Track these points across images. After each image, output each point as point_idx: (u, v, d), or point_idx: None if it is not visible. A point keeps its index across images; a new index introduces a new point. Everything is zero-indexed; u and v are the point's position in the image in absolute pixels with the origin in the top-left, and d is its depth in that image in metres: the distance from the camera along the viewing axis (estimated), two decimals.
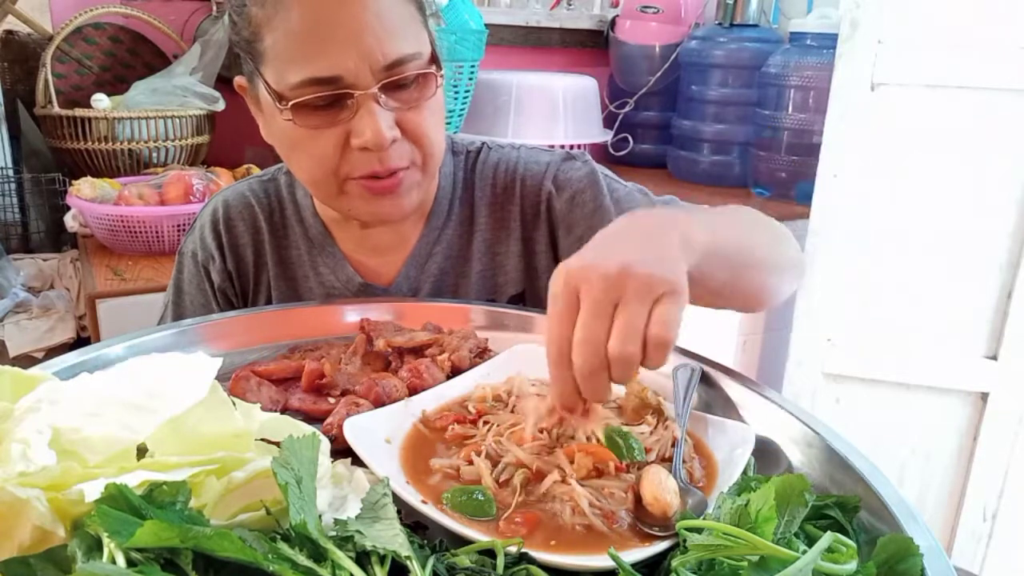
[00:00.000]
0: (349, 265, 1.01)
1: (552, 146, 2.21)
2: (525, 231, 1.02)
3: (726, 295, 0.76)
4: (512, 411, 0.69)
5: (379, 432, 0.65)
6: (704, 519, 0.52)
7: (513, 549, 0.49)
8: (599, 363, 0.54)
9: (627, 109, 2.56)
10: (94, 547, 0.42)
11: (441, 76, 0.88)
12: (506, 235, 1.02)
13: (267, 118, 0.90)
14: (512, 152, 1.05)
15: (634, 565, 0.48)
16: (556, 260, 1.02)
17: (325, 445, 0.52)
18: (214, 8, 2.08)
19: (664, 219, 0.65)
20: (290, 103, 0.82)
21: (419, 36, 0.85)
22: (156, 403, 0.53)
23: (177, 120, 1.85)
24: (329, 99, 0.82)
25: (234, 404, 0.54)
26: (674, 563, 0.47)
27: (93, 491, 0.43)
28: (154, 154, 1.84)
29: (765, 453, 0.66)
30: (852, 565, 0.44)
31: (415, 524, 0.54)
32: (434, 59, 0.86)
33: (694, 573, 0.46)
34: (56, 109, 1.77)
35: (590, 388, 0.56)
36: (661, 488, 0.55)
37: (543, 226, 1.01)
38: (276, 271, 1.03)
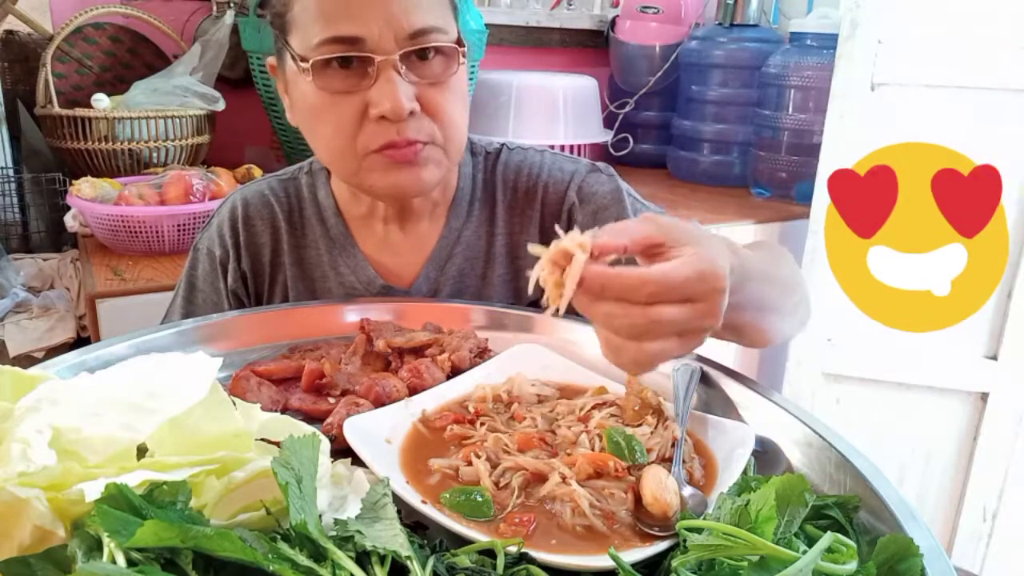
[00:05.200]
0: (371, 266, 1.00)
1: (552, 146, 2.21)
2: (543, 237, 1.01)
3: (733, 333, 0.75)
4: (512, 417, 0.70)
5: (379, 432, 0.65)
6: (704, 519, 0.52)
7: (513, 549, 0.49)
8: (629, 315, 0.53)
9: (627, 109, 2.56)
10: (94, 547, 0.42)
11: (464, 56, 0.87)
12: (526, 240, 1.01)
13: (292, 94, 0.90)
14: (535, 156, 1.04)
15: (634, 565, 0.48)
16: None
17: (325, 445, 0.52)
18: (214, 8, 2.07)
19: (731, 263, 0.60)
20: (311, 61, 0.82)
21: (445, 15, 0.86)
22: (156, 403, 0.53)
23: (177, 120, 1.84)
24: (350, 62, 0.82)
25: (234, 404, 0.54)
26: (674, 563, 0.47)
27: (93, 491, 0.43)
28: (154, 154, 1.84)
29: (765, 453, 0.66)
30: (852, 565, 0.44)
31: (415, 524, 0.54)
32: (460, 41, 0.87)
33: (694, 573, 0.46)
34: (56, 109, 1.77)
35: (589, 309, 0.55)
36: (661, 488, 0.55)
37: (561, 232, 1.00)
38: (294, 271, 1.02)
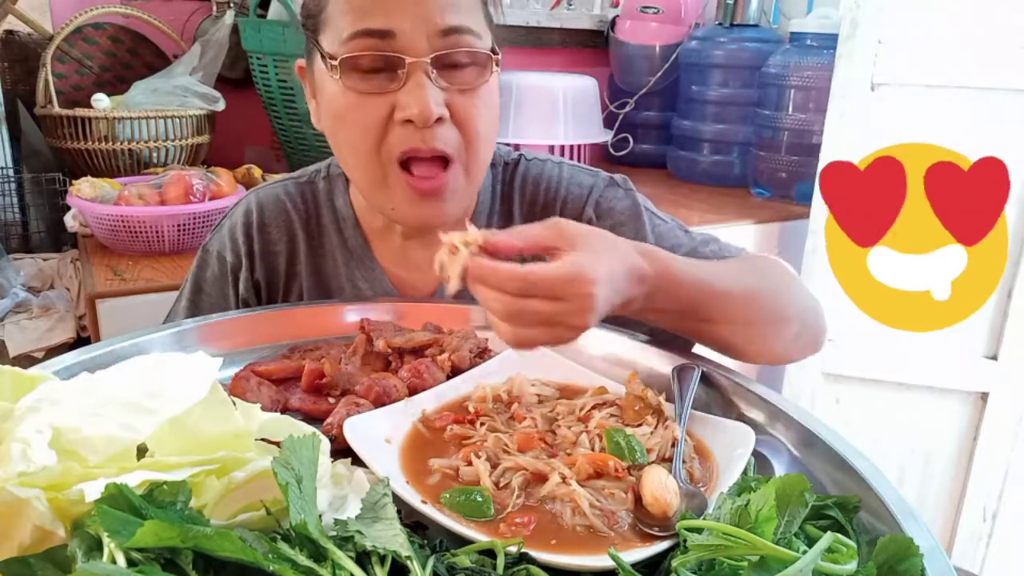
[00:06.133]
0: (388, 280, 0.98)
1: (552, 146, 2.20)
2: None
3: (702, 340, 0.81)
4: (512, 417, 0.70)
5: (379, 432, 0.65)
6: (704, 519, 0.52)
7: (513, 549, 0.49)
8: (504, 302, 0.62)
9: (627, 109, 2.56)
10: (94, 547, 0.42)
11: (498, 65, 0.85)
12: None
13: (319, 96, 0.88)
14: (553, 168, 1.01)
15: (634, 565, 0.48)
16: None
17: (325, 445, 0.52)
18: (214, 8, 2.07)
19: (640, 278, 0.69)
20: (340, 58, 0.80)
21: (479, 20, 0.84)
22: (156, 403, 0.53)
23: (177, 120, 1.84)
24: (379, 61, 0.80)
25: (234, 404, 0.54)
26: (674, 563, 0.47)
27: (93, 491, 0.43)
28: (154, 154, 1.84)
29: (765, 453, 0.66)
30: (852, 565, 0.44)
31: (415, 524, 0.54)
32: (494, 50, 0.85)
33: (694, 573, 0.46)
34: (56, 109, 1.77)
35: (473, 291, 0.64)
36: (661, 488, 0.55)
37: None
38: (311, 282, 0.99)
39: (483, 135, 0.86)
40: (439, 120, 0.81)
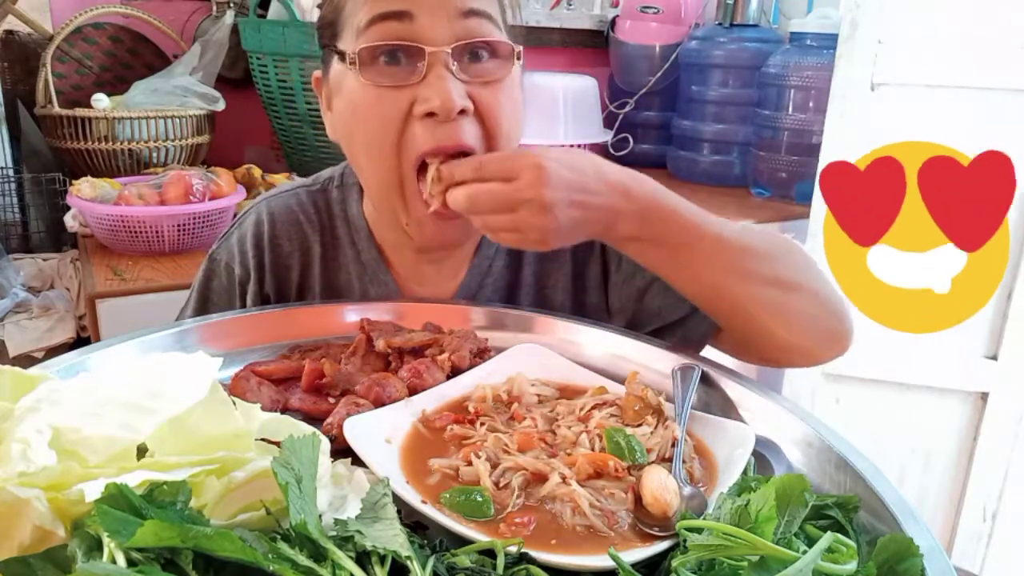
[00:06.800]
0: (402, 295, 0.96)
1: (551, 146, 2.19)
2: (576, 266, 0.96)
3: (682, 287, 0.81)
4: (512, 417, 0.70)
5: (379, 432, 0.65)
6: (704, 519, 0.52)
7: (513, 549, 0.49)
8: (468, 199, 0.72)
9: (627, 109, 2.56)
10: (94, 547, 0.42)
11: (520, 57, 0.83)
12: (556, 268, 0.97)
13: (335, 101, 0.86)
14: None
15: (634, 565, 0.48)
16: (606, 297, 0.96)
17: (325, 445, 0.52)
18: (214, 8, 2.08)
19: (633, 204, 0.75)
20: (359, 48, 0.78)
21: (496, 10, 0.82)
22: (156, 403, 0.53)
23: (177, 120, 1.85)
24: (399, 52, 0.78)
25: (234, 404, 0.54)
26: (674, 563, 0.47)
27: (93, 491, 0.43)
28: (154, 154, 1.84)
29: (765, 453, 0.66)
30: (852, 565, 0.44)
31: (415, 524, 0.54)
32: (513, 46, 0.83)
33: (694, 573, 0.46)
34: (56, 109, 1.77)
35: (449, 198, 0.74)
36: (661, 488, 0.55)
37: (596, 262, 0.96)
38: (324, 296, 0.97)
39: (506, 131, 0.82)
40: (462, 113, 0.78)
